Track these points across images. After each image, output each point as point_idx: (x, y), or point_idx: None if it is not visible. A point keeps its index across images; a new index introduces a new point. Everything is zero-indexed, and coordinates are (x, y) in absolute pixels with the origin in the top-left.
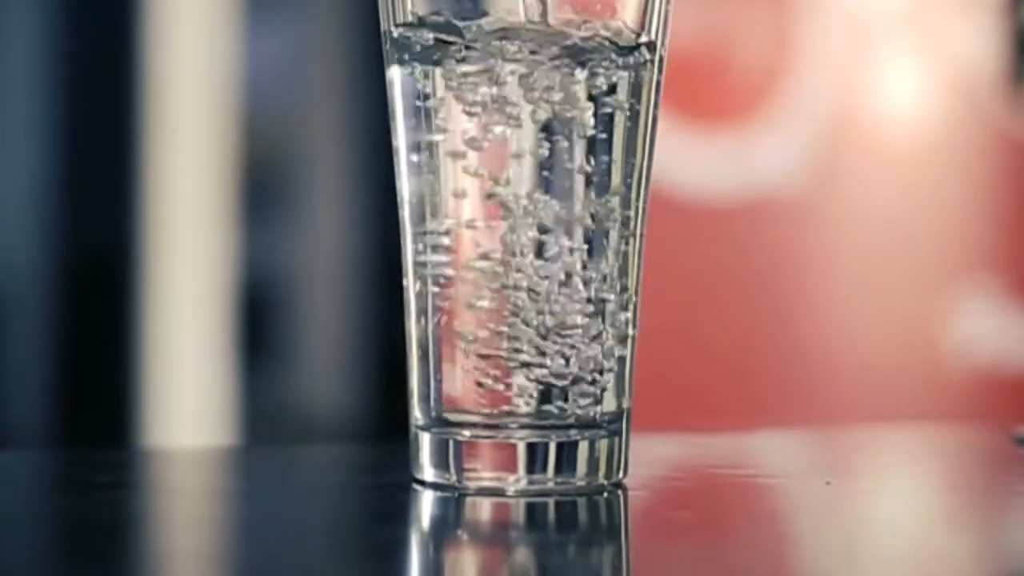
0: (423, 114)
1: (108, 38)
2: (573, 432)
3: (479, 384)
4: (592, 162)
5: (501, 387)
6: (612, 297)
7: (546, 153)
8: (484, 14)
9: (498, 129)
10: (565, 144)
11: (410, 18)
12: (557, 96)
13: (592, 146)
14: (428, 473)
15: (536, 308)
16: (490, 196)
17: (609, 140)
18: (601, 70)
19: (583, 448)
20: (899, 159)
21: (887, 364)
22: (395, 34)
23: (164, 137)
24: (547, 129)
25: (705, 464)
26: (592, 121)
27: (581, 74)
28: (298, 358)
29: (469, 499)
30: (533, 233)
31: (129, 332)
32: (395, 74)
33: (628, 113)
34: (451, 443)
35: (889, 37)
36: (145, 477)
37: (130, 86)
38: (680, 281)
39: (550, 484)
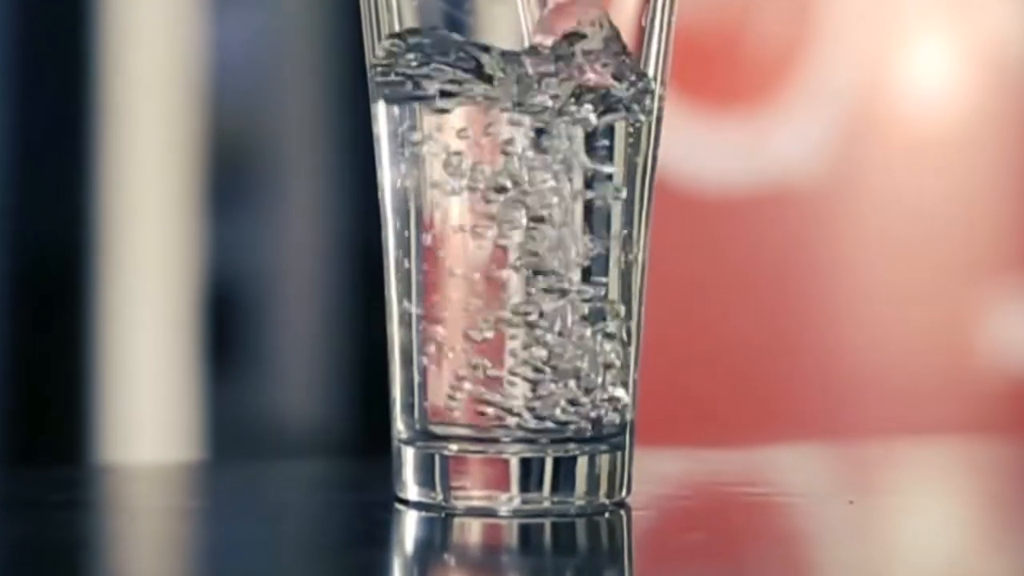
0: (409, 155)
1: (61, 16)
2: (571, 446)
3: (468, 393)
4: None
5: (493, 396)
6: (614, 299)
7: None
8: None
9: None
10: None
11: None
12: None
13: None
14: (412, 491)
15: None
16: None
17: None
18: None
19: (582, 464)
20: (929, 146)
21: (915, 371)
22: (380, 74)
23: (121, 122)
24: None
25: (716, 481)
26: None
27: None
28: (270, 364)
29: (457, 520)
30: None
31: (82, 337)
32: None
33: (626, 155)
34: (437, 458)
35: (920, 12)
36: (101, 496)
37: (84, 67)
38: (688, 280)
39: (546, 504)
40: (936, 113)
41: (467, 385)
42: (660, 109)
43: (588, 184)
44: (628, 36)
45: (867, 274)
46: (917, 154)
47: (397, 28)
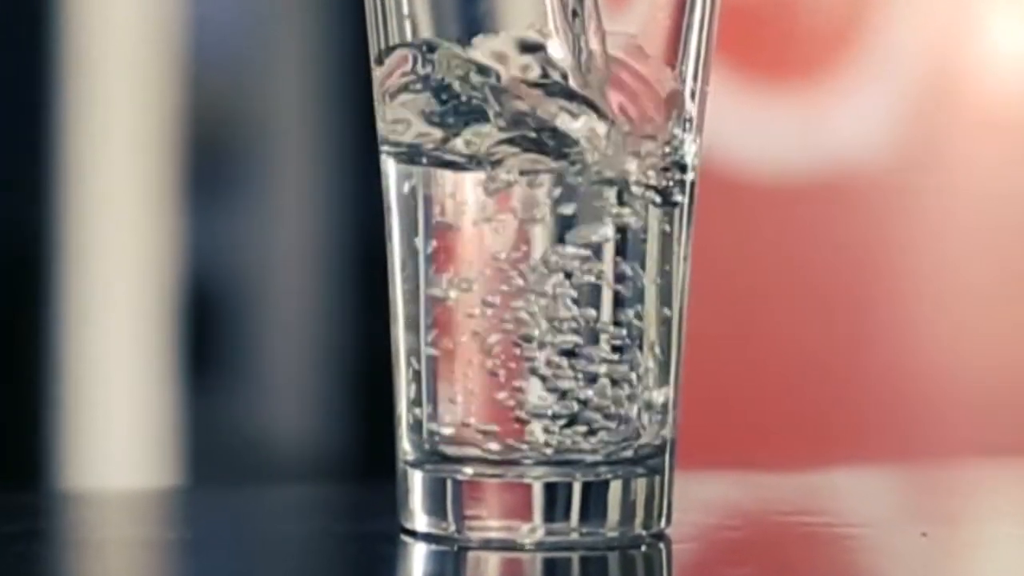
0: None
1: None
2: (603, 469)
3: (486, 408)
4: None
5: (514, 412)
6: (651, 303)
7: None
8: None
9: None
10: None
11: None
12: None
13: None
14: (420, 521)
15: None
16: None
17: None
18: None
19: (615, 489)
20: (1012, 127)
21: (998, 384)
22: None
23: (88, 101)
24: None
25: (768, 509)
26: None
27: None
28: (256, 375)
29: (472, 554)
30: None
31: (42, 344)
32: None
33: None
34: (449, 483)
35: None
36: (63, 526)
37: (46, 38)
38: (735, 280)
39: (574, 535)
40: (1021, 89)
41: (485, 399)
42: (703, 109)
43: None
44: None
45: (942, 273)
46: (999, 136)
47: (409, 34)
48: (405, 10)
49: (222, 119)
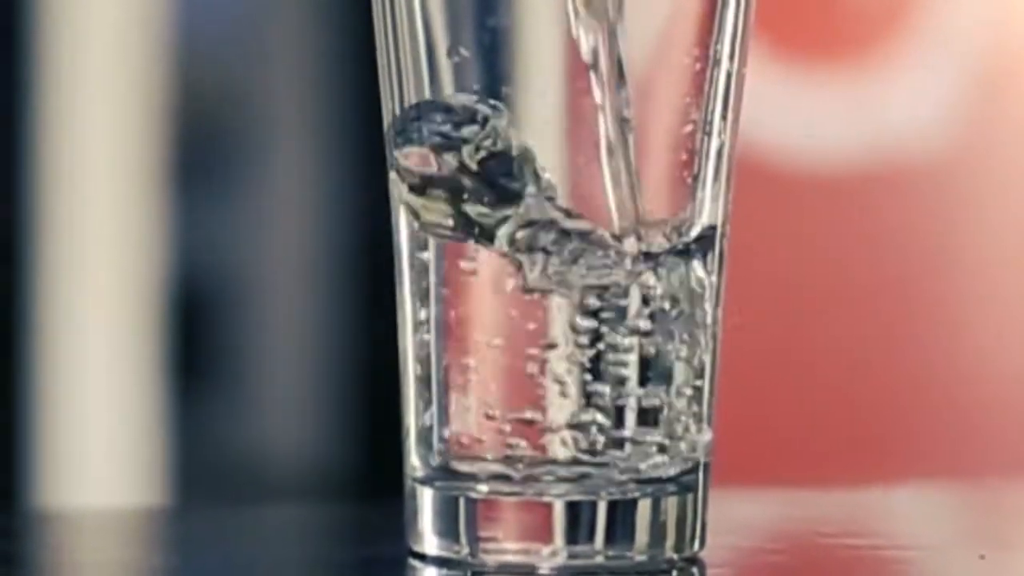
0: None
1: None
2: (631, 487)
3: (504, 421)
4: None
5: (534, 425)
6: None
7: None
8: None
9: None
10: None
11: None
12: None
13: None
14: (430, 544)
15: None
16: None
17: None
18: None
19: (644, 509)
20: None
21: None
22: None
23: (69, 90)
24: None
25: (811, 530)
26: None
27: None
28: (249, 385)
29: None
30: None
31: (20, 355)
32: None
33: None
34: (462, 502)
35: None
36: (41, 548)
37: (25, 27)
38: (777, 279)
39: (599, 559)
40: None
41: (501, 410)
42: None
43: None
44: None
45: (1005, 271)
46: None
47: (428, 91)
48: (425, 69)
49: (212, 110)
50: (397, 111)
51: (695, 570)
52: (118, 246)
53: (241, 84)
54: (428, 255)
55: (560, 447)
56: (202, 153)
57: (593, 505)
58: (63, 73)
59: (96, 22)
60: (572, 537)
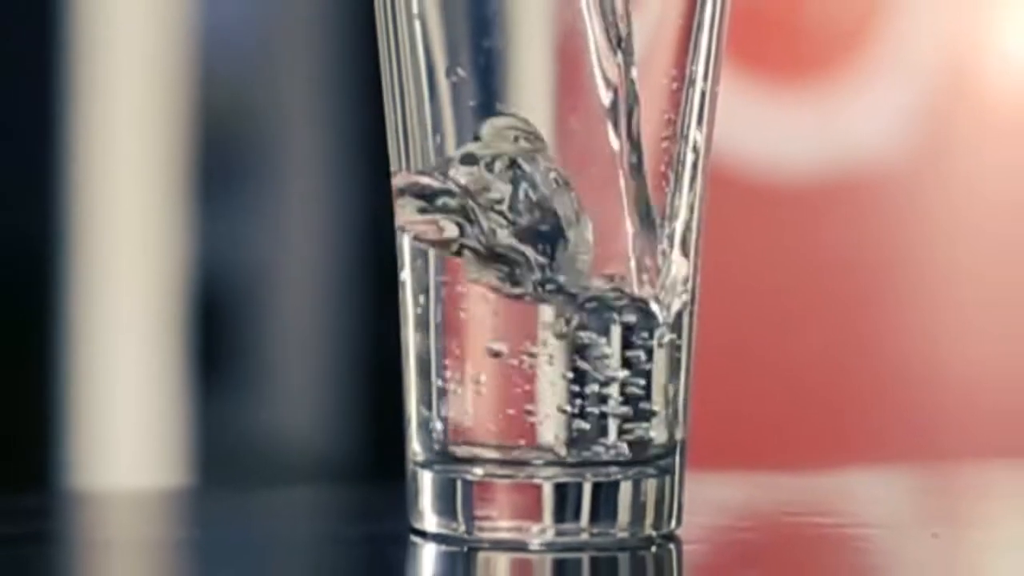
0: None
1: None
2: (614, 470)
3: (497, 409)
4: None
5: (525, 413)
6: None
7: None
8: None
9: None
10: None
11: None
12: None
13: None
14: (430, 522)
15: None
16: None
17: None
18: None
19: (626, 490)
20: None
21: (1011, 386)
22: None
23: (97, 101)
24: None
25: (780, 511)
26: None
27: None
28: (265, 377)
29: (482, 555)
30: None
31: (50, 345)
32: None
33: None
34: (459, 484)
35: None
36: (71, 527)
37: (54, 37)
38: (747, 280)
39: (584, 536)
40: None
41: (496, 399)
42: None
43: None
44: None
45: (957, 274)
46: (1015, 136)
47: (428, 108)
48: (429, 121)
49: (232, 125)
50: (401, 130)
51: (672, 546)
52: (145, 248)
53: (258, 101)
54: (428, 260)
55: (549, 435)
56: (222, 164)
57: (579, 487)
58: (94, 98)
59: (125, 51)
60: (560, 516)
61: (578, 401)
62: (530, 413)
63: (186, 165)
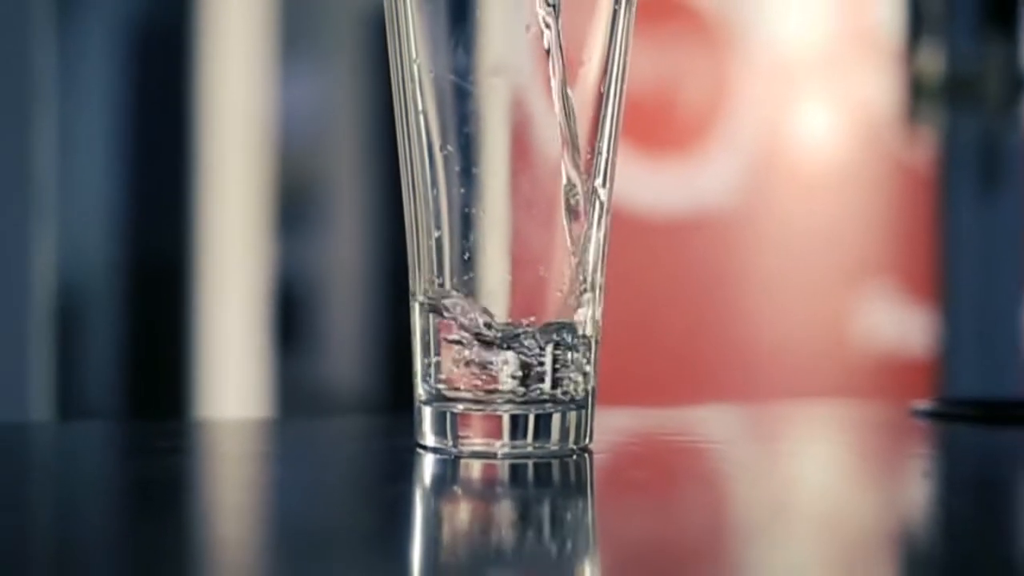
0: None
1: (168, 84)
2: (548, 406)
3: (470, 369)
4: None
5: (489, 371)
6: (585, 299)
7: None
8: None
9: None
10: None
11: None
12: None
13: None
14: (429, 440)
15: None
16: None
17: None
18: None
19: (556, 419)
20: (815, 184)
21: (806, 351)
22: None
23: (214, 164)
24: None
25: (658, 433)
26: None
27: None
28: (324, 345)
29: (463, 461)
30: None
31: (185, 323)
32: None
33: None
34: (448, 415)
35: (808, 82)
36: (198, 444)
37: (187, 121)
38: (637, 284)
39: (529, 448)
40: (821, 158)
41: (469, 363)
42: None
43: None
44: (588, 107)
45: (771, 279)
46: (807, 190)
47: (428, 174)
48: (429, 179)
49: (302, 178)
50: (410, 184)
51: (586, 456)
52: (245, 261)
53: (320, 167)
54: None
55: (507, 383)
56: (295, 207)
57: (527, 417)
58: (214, 156)
59: (232, 125)
60: (513, 435)
61: (527, 364)
62: (494, 370)
63: (272, 206)
